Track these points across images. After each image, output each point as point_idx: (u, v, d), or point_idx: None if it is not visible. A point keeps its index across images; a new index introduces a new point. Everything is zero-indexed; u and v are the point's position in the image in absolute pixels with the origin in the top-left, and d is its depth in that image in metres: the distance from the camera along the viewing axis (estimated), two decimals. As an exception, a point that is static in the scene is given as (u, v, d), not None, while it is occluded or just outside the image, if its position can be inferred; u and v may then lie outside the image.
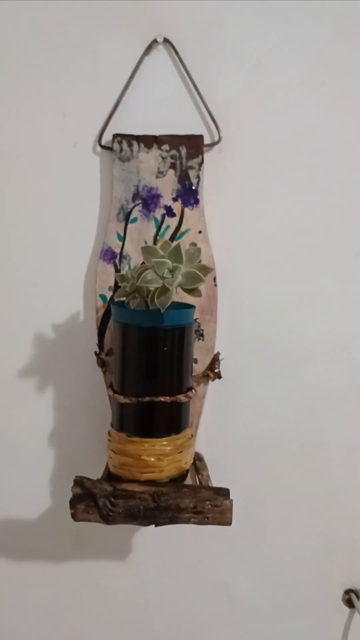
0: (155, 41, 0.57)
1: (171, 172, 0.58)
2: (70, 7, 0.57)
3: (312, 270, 0.61)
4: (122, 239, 0.58)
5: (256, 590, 0.67)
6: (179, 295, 0.54)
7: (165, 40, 0.57)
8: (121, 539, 0.65)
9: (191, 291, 0.48)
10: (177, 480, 0.53)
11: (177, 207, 0.58)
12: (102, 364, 0.59)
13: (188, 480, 0.55)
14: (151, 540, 0.65)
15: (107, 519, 0.49)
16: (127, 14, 0.57)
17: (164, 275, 0.47)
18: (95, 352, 0.60)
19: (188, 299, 0.55)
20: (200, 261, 0.49)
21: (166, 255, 0.48)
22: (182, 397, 0.51)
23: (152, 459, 0.51)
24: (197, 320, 0.58)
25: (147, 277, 0.47)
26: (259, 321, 0.62)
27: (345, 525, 0.65)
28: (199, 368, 0.59)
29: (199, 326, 0.59)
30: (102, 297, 0.59)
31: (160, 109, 0.58)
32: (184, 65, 0.57)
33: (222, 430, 0.63)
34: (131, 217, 0.58)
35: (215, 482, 0.55)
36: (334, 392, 0.63)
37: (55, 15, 0.57)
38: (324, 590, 0.67)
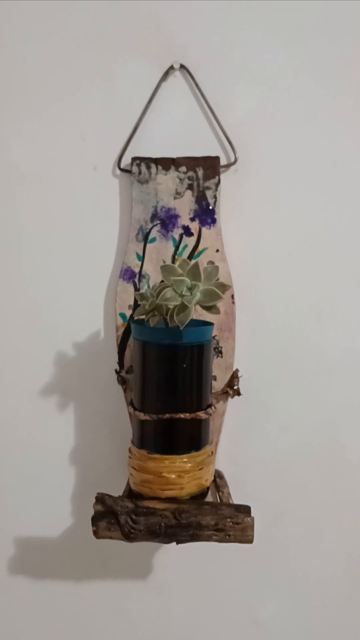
0: (172, 67, 0.59)
1: (188, 192, 0.59)
2: (88, 35, 0.59)
3: (329, 285, 0.61)
4: (141, 258, 0.59)
5: (282, 614, 0.65)
6: (198, 313, 0.55)
7: (182, 66, 0.59)
8: (143, 558, 0.65)
9: (210, 308, 0.49)
10: (198, 497, 0.52)
11: (194, 226, 0.59)
12: (123, 381, 0.60)
13: (209, 498, 0.55)
14: (174, 560, 0.65)
15: (128, 537, 0.49)
16: (143, 40, 0.59)
17: (183, 293, 0.48)
18: (116, 370, 0.60)
19: (206, 316, 0.56)
20: (218, 279, 0.50)
21: (185, 273, 0.48)
22: (201, 414, 0.52)
23: (173, 476, 0.51)
24: (216, 337, 0.59)
25: (166, 295, 0.47)
26: (278, 338, 0.62)
27: (370, 545, 0.64)
28: (218, 385, 0.60)
29: (218, 343, 0.59)
30: (122, 315, 0.60)
31: (178, 132, 0.60)
32: (199, 89, 0.59)
33: (242, 447, 0.62)
34: (150, 237, 0.59)
35: (237, 500, 0.54)
36: (356, 407, 0.62)
37: (74, 43, 0.59)
38: (352, 613, 0.65)
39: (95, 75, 0.60)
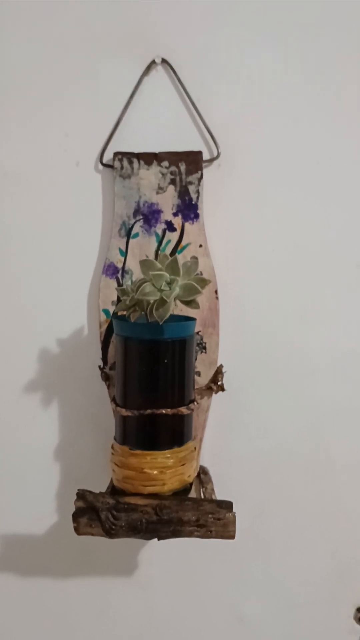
0: (153, 62, 0.59)
1: (171, 187, 0.59)
2: (71, 31, 0.59)
3: (314, 283, 0.61)
4: (124, 254, 0.59)
5: (266, 611, 0.65)
6: (179, 308, 0.54)
7: (164, 61, 0.59)
8: (127, 555, 0.64)
9: (189, 303, 0.49)
10: (180, 493, 0.52)
11: (177, 221, 0.59)
12: (106, 377, 0.59)
13: (192, 494, 0.54)
14: (158, 557, 0.65)
15: (109, 533, 0.49)
16: (126, 37, 0.59)
17: (162, 287, 0.47)
18: (99, 366, 0.60)
19: (189, 312, 0.56)
20: (201, 273, 0.50)
21: (164, 268, 0.48)
22: (184, 410, 0.51)
23: (155, 472, 0.50)
24: (199, 333, 0.59)
25: (145, 289, 0.47)
26: (262, 334, 0.62)
27: (355, 543, 0.64)
28: (202, 381, 0.59)
29: (202, 339, 0.59)
30: (105, 311, 0.59)
31: (160, 127, 0.60)
32: (182, 84, 0.59)
33: (226, 444, 0.62)
34: (133, 232, 0.59)
35: (221, 496, 0.54)
36: (340, 406, 0.62)
37: (56, 39, 0.59)
38: (335, 609, 0.65)
39: (77, 70, 0.59)
